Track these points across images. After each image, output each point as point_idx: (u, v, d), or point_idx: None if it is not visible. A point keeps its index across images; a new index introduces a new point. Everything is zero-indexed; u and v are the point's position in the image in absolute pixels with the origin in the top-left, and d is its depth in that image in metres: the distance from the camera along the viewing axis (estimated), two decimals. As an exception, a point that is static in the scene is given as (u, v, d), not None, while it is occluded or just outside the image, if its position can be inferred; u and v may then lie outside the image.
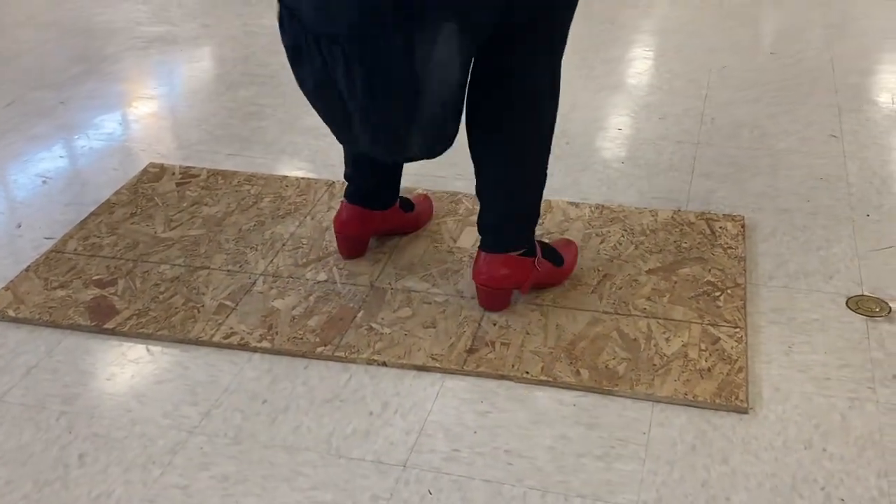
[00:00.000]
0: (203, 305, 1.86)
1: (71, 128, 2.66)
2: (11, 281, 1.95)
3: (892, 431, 1.55)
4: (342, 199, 1.94)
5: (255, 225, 2.13)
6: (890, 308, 1.83)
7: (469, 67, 1.57)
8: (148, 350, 1.77)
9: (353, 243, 1.98)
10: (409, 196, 2.08)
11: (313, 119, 1.79)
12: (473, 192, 1.81)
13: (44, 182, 2.38)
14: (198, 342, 1.77)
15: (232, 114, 2.72)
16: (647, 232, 2.07)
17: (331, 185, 2.29)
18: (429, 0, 1.43)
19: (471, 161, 1.76)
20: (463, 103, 1.61)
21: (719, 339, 1.74)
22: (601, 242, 2.04)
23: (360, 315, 1.83)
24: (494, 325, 1.79)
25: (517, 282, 1.80)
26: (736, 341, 1.73)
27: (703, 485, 1.46)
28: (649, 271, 1.94)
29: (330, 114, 1.63)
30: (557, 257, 1.87)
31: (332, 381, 1.68)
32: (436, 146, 1.61)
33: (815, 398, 1.62)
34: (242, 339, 1.77)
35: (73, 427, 1.59)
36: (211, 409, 1.62)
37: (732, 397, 1.60)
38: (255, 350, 1.75)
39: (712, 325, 1.78)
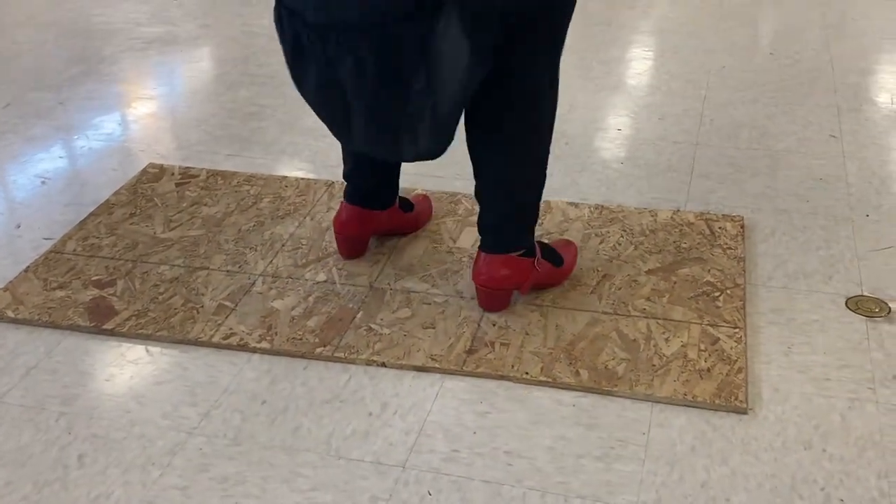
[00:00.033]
0: (202, 306, 1.86)
1: (70, 128, 2.66)
2: (10, 282, 1.95)
3: (892, 432, 1.55)
4: (342, 199, 1.94)
5: (254, 225, 2.13)
6: (889, 308, 1.83)
7: (484, 67, 1.55)
8: (147, 351, 1.77)
9: (352, 243, 1.98)
10: (408, 196, 2.08)
11: (313, 120, 1.79)
12: (472, 192, 1.81)
13: (43, 183, 2.38)
14: (197, 343, 1.77)
15: (231, 114, 2.72)
16: (647, 232, 2.07)
17: (330, 185, 2.29)
18: None
19: (470, 161, 1.76)
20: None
21: (719, 339, 1.74)
22: (600, 243, 2.04)
23: (359, 316, 1.83)
24: (494, 325, 1.79)
25: (517, 282, 1.80)
26: (735, 342, 1.73)
27: (702, 485, 1.46)
28: (649, 272, 1.94)
29: (331, 113, 1.63)
30: (557, 258, 1.87)
31: (332, 381, 1.68)
32: (438, 147, 1.60)
33: (815, 399, 1.62)
34: (242, 339, 1.77)
35: (73, 428, 1.59)
36: (210, 409, 1.62)
37: (732, 398, 1.60)
38: (254, 351, 1.75)
39: (712, 325, 1.78)
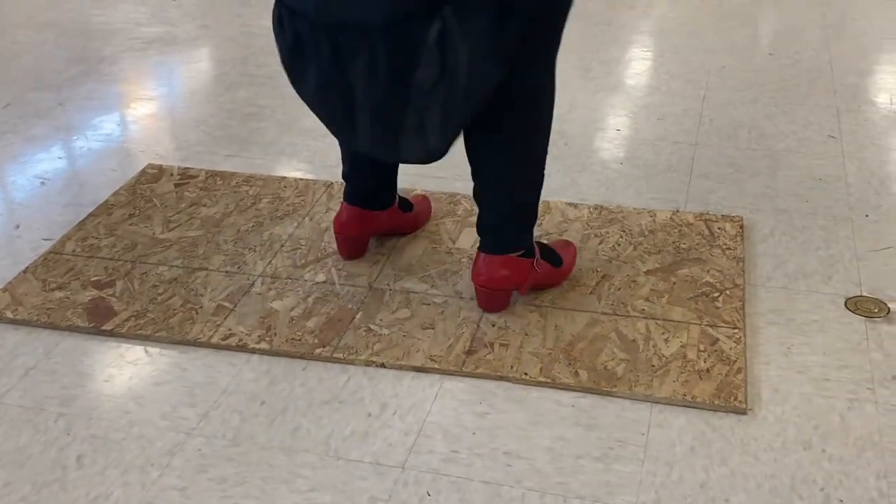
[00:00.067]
0: (201, 307, 1.86)
1: (69, 129, 2.66)
2: (9, 282, 1.94)
3: (892, 432, 1.55)
4: (341, 200, 1.94)
5: (253, 226, 2.13)
6: (889, 309, 1.83)
7: (504, 67, 1.54)
8: (146, 351, 1.77)
9: (353, 244, 1.98)
10: (407, 196, 2.08)
11: (312, 120, 1.79)
12: (471, 193, 1.81)
13: (42, 183, 2.38)
14: (196, 343, 1.77)
15: (230, 115, 2.72)
16: (646, 233, 2.07)
17: (329, 185, 2.29)
18: None
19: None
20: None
21: (718, 339, 1.74)
22: (600, 243, 2.04)
23: (358, 316, 1.83)
24: (493, 326, 1.79)
25: (516, 283, 1.79)
26: (735, 342, 1.73)
27: (701, 486, 1.46)
28: (648, 272, 1.94)
29: (330, 113, 1.63)
30: (556, 258, 1.87)
31: (331, 382, 1.68)
32: (445, 147, 1.59)
33: (814, 399, 1.62)
34: (241, 340, 1.77)
35: (72, 429, 1.59)
36: (209, 410, 1.62)
37: (731, 398, 1.60)
38: (253, 351, 1.75)
39: (711, 325, 1.77)
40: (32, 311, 1.85)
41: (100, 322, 1.82)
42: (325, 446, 1.54)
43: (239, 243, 2.07)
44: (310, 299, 1.88)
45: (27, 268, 1.99)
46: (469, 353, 1.72)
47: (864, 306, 1.84)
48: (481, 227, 1.80)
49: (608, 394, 1.63)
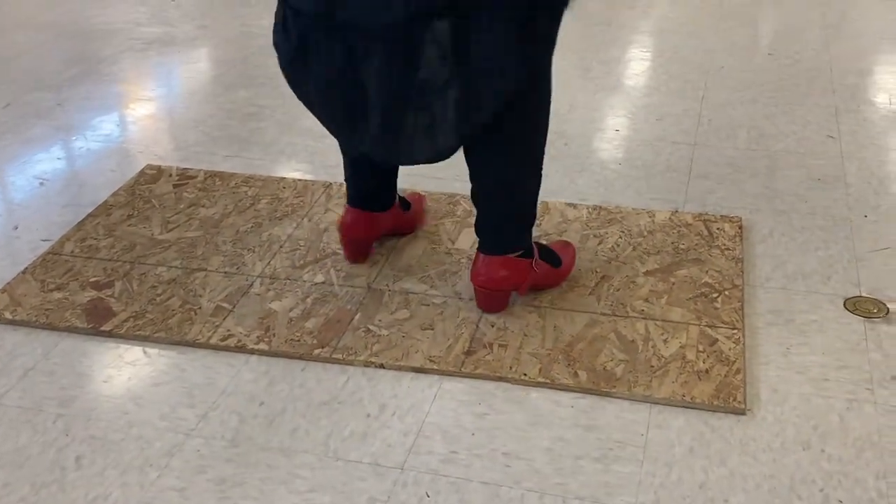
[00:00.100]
0: (200, 307, 1.86)
1: (68, 129, 2.66)
2: (8, 283, 1.94)
3: (891, 433, 1.55)
4: (344, 203, 1.94)
5: (252, 227, 2.13)
6: (888, 309, 1.83)
7: (528, 66, 1.53)
8: (145, 352, 1.76)
9: (358, 246, 1.98)
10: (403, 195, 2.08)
11: (311, 121, 1.79)
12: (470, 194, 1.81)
13: (41, 184, 2.38)
14: (195, 344, 1.77)
15: (230, 115, 2.72)
16: (645, 233, 2.07)
17: (328, 186, 2.29)
18: None
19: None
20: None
21: (717, 340, 1.74)
22: (599, 244, 2.04)
23: (357, 317, 1.82)
24: (492, 326, 1.79)
25: (515, 283, 1.79)
26: (734, 343, 1.73)
27: (701, 486, 1.46)
28: (647, 273, 1.94)
29: (332, 113, 1.63)
30: (555, 259, 1.87)
31: (330, 383, 1.68)
32: (455, 147, 1.59)
33: (814, 399, 1.62)
34: (240, 341, 1.77)
35: (70, 430, 1.58)
36: (208, 411, 1.62)
37: (730, 399, 1.60)
38: (252, 352, 1.75)
39: (710, 326, 1.77)
40: (31, 312, 1.85)
41: (98, 323, 1.82)
42: (324, 447, 1.54)
43: (238, 244, 2.07)
44: (309, 300, 1.88)
45: (26, 268, 1.99)
46: (468, 353, 1.72)
47: (863, 307, 1.84)
48: (480, 228, 1.80)
49: (607, 394, 1.63)
